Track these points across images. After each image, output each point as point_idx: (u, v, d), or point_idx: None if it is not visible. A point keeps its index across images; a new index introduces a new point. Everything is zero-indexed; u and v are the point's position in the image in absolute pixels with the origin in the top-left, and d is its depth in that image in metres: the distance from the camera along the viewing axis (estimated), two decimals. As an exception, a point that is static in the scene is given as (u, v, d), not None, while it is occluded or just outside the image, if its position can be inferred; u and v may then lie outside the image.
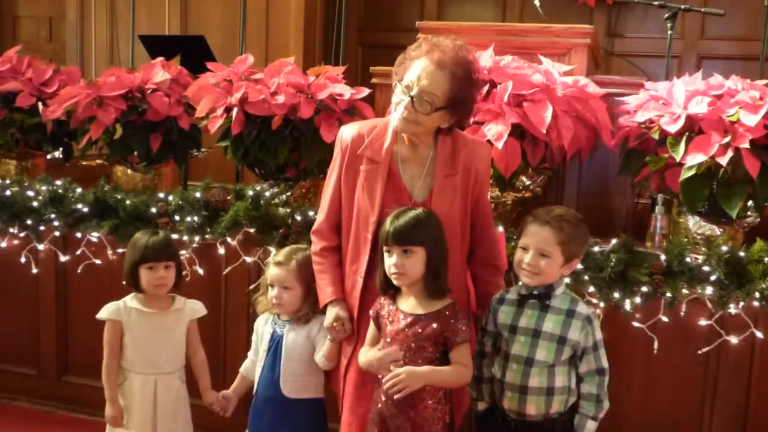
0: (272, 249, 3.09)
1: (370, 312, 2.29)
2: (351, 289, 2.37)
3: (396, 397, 2.09)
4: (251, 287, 3.11)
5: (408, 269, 2.14)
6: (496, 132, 2.85)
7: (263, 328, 2.64)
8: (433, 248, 2.15)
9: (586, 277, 2.72)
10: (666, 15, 3.91)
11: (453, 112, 2.24)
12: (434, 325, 2.14)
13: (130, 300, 2.68)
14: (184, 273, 2.92)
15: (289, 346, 2.54)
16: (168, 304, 2.68)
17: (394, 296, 2.24)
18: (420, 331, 2.15)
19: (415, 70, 2.20)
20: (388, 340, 2.20)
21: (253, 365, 2.67)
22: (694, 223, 2.95)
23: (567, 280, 2.31)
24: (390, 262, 2.16)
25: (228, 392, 2.70)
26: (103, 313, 2.68)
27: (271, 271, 2.55)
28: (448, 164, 2.30)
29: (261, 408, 2.58)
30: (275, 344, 2.56)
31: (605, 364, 2.23)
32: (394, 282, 2.18)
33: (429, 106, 2.18)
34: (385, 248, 2.17)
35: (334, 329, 2.36)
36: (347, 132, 2.38)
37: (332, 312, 2.37)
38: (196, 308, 2.73)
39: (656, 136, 2.91)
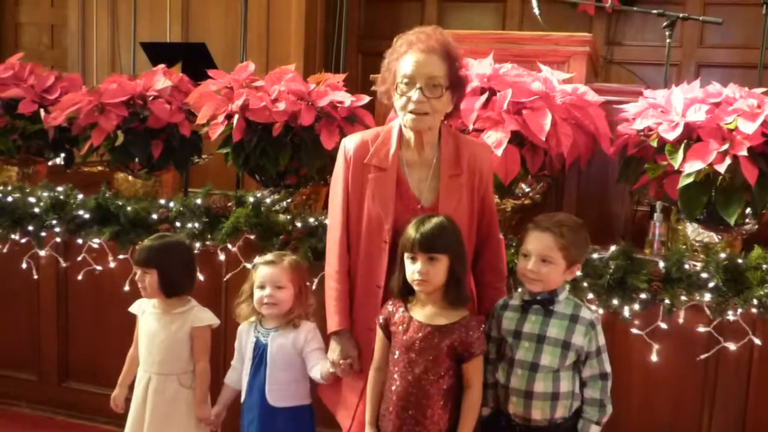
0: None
1: (379, 319, 2.26)
2: (369, 300, 2.33)
3: None
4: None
5: (432, 277, 2.12)
6: (495, 139, 2.86)
7: (246, 336, 2.62)
8: (456, 256, 2.14)
9: (585, 284, 2.73)
10: (664, 23, 3.93)
11: (454, 92, 2.28)
12: (453, 338, 2.13)
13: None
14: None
15: (274, 355, 2.52)
16: (175, 307, 2.68)
17: (406, 301, 2.22)
18: (438, 342, 2.14)
19: (409, 66, 2.22)
20: (396, 353, 2.18)
21: (236, 373, 2.66)
22: (692, 230, 2.96)
23: (566, 286, 2.32)
24: (414, 269, 2.13)
25: (217, 408, 2.67)
26: (131, 306, 2.80)
27: (262, 271, 2.53)
28: (452, 165, 2.31)
29: (249, 416, 2.56)
30: (260, 353, 2.54)
31: (608, 368, 2.24)
32: (416, 288, 2.16)
33: (439, 90, 2.21)
34: (408, 255, 2.15)
35: (340, 366, 2.35)
36: (350, 143, 2.38)
37: (341, 348, 2.35)
38: (201, 317, 2.69)
39: (655, 144, 2.92)
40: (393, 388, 2.18)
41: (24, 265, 3.55)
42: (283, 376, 2.52)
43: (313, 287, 2.81)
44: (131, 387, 2.77)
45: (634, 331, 2.76)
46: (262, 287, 2.52)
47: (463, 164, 2.32)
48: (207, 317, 2.70)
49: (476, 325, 2.17)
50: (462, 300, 2.17)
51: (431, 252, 2.11)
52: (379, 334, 2.26)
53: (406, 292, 2.20)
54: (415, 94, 2.21)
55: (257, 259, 2.62)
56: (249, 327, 2.63)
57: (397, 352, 2.19)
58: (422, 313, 2.18)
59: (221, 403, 2.68)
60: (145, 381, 2.68)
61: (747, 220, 2.96)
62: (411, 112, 2.22)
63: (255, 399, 2.53)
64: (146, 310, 2.73)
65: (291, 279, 2.52)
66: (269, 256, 2.58)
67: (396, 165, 2.31)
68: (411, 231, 2.14)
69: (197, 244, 3.22)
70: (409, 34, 2.28)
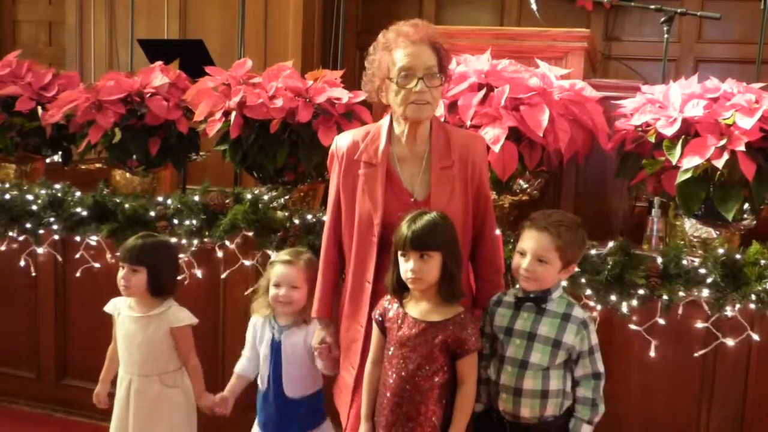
0: (271, 252, 3.10)
1: (375, 315, 2.26)
2: (359, 296, 2.34)
3: None
4: (249, 290, 3.12)
5: (425, 274, 2.12)
6: (493, 135, 2.86)
7: (261, 331, 2.64)
8: (449, 253, 2.14)
9: (583, 280, 2.74)
10: (662, 19, 3.93)
11: (444, 80, 2.29)
12: (446, 334, 2.13)
13: (126, 297, 2.71)
14: (181, 278, 2.91)
15: (288, 352, 2.56)
16: (152, 309, 2.66)
17: (401, 298, 2.22)
18: (432, 339, 2.14)
19: (405, 58, 2.21)
20: (391, 349, 2.19)
21: (248, 362, 2.67)
22: (690, 225, 2.96)
23: (564, 283, 2.32)
24: (407, 267, 2.13)
25: (224, 394, 2.66)
26: (106, 306, 2.79)
27: (278, 270, 2.56)
28: (443, 156, 2.30)
29: (264, 403, 2.62)
30: (274, 350, 2.58)
31: (601, 368, 2.24)
32: (410, 286, 2.16)
33: (437, 78, 2.23)
34: (400, 252, 2.15)
35: (316, 350, 2.45)
36: (341, 141, 2.40)
37: (317, 334, 2.47)
38: (179, 316, 2.67)
39: (653, 139, 2.92)
40: (387, 383, 2.19)
41: (22, 263, 3.55)
42: (298, 371, 2.57)
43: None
44: (113, 382, 2.77)
45: (632, 327, 2.76)
46: (277, 285, 2.55)
47: (455, 156, 2.31)
48: (185, 317, 2.68)
49: (471, 322, 2.17)
50: (456, 296, 2.16)
51: (423, 249, 2.11)
52: (376, 329, 2.27)
53: (400, 290, 2.20)
54: (417, 85, 2.20)
55: (274, 256, 2.66)
56: (264, 321, 2.64)
57: (391, 348, 2.20)
58: (417, 309, 2.18)
59: (230, 390, 2.66)
60: (126, 382, 2.67)
61: (745, 216, 2.96)
62: (413, 102, 2.21)
63: (272, 389, 2.59)
64: (122, 312, 2.71)
65: (306, 278, 2.55)
66: (286, 255, 2.60)
67: (386, 160, 2.30)
68: (403, 228, 2.14)
69: (195, 241, 3.22)
70: (398, 28, 2.27)
